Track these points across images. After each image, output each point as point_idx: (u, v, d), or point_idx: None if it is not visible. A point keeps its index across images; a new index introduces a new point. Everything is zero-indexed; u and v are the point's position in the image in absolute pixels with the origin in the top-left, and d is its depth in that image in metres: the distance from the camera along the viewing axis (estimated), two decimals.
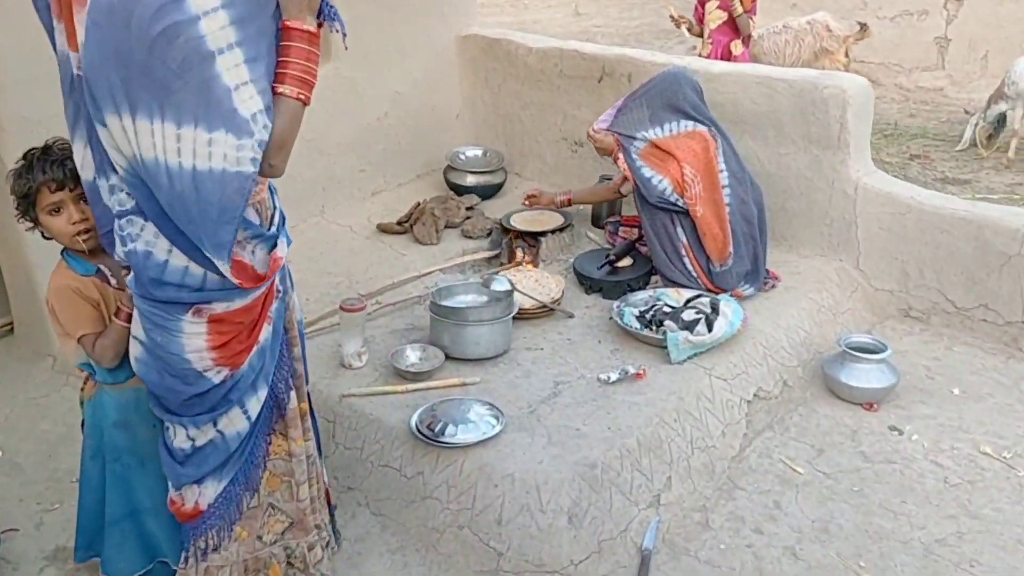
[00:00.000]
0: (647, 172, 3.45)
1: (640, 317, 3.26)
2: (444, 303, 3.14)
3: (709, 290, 3.43)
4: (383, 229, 4.16)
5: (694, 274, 3.46)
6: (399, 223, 4.17)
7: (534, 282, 3.49)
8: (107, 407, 2.24)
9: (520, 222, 4.00)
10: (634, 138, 3.47)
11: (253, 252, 1.93)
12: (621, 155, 3.50)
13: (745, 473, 2.84)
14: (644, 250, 3.72)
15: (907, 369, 3.31)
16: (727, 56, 5.87)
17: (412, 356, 3.05)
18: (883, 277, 3.69)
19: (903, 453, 2.92)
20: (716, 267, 3.42)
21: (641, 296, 3.43)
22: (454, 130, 4.85)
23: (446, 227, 4.18)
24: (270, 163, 1.81)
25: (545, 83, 4.49)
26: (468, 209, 4.31)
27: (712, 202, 3.38)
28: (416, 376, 2.95)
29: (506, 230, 3.98)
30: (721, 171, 3.39)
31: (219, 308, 1.92)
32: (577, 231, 4.06)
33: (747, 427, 2.98)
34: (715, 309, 3.19)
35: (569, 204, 3.98)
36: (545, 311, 3.35)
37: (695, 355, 3.07)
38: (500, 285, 3.21)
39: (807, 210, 3.79)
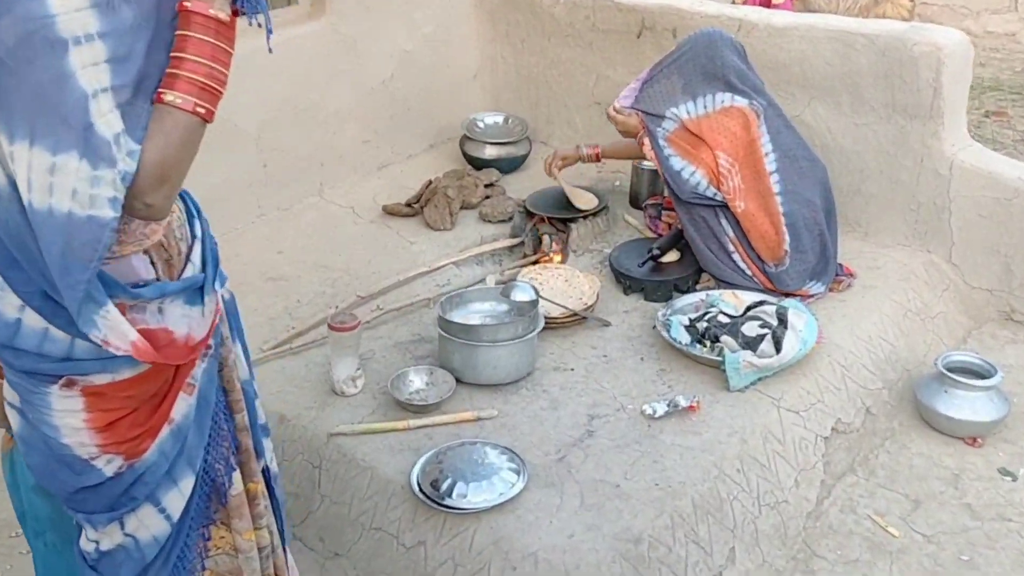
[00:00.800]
0: (676, 163, 2.89)
1: (691, 327, 2.71)
2: (454, 318, 2.60)
3: (769, 290, 2.86)
4: (390, 211, 3.61)
5: (748, 272, 2.89)
6: (408, 204, 3.62)
7: (563, 282, 2.94)
8: (24, 465, 1.75)
9: (546, 205, 3.44)
10: (662, 117, 2.91)
11: (160, 311, 1.40)
12: (647, 140, 2.93)
13: (825, 535, 2.30)
14: None
15: (1012, 388, 2.74)
16: (766, 3, 5.15)
17: (416, 382, 2.53)
18: (981, 273, 3.09)
19: (1020, 506, 2.37)
20: (771, 268, 2.85)
21: (691, 300, 2.87)
22: (471, 93, 4.25)
23: (462, 208, 3.63)
24: (146, 202, 1.27)
25: (575, 38, 3.87)
26: (487, 187, 3.74)
27: (756, 193, 2.81)
28: (421, 409, 2.43)
29: (531, 214, 3.42)
30: (767, 154, 2.82)
31: (100, 379, 1.39)
32: (613, 215, 3.49)
33: (825, 472, 2.44)
34: (783, 320, 2.62)
35: (598, 159, 3.38)
36: (576, 319, 2.80)
37: (759, 380, 2.52)
38: (523, 294, 2.66)
39: (889, 192, 3.19)
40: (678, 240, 3.12)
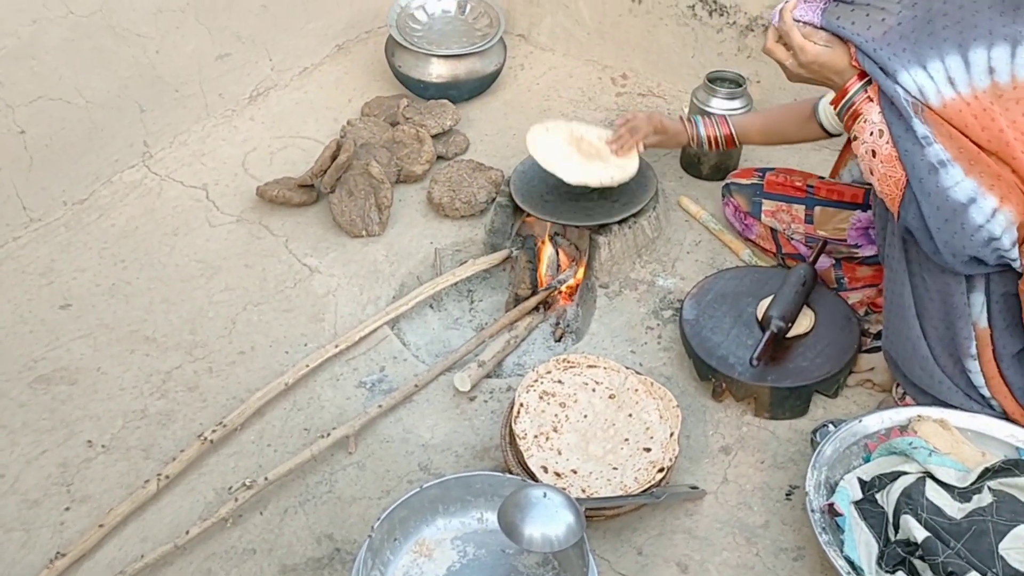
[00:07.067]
0: (958, 181, 1.25)
1: (868, 507, 1.36)
2: None
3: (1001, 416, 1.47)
4: (271, 199, 2.05)
5: (987, 394, 1.45)
6: (302, 185, 2.06)
7: (606, 403, 1.50)
8: None
9: (547, 191, 1.92)
10: (907, 75, 1.28)
11: None
12: (872, 111, 1.32)
13: None
14: (827, 272, 1.74)
15: None
16: None
17: None
18: None
19: None
20: None
21: (858, 430, 1.47)
22: None
23: (399, 182, 2.09)
24: None
25: None
26: (437, 137, 2.18)
27: None
28: None
29: (517, 209, 1.92)
30: None
31: None
32: (664, 205, 1.99)
33: None
34: None
35: (729, 146, 1.87)
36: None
37: None
38: (538, 524, 1.17)
39: None
40: (812, 285, 1.67)
